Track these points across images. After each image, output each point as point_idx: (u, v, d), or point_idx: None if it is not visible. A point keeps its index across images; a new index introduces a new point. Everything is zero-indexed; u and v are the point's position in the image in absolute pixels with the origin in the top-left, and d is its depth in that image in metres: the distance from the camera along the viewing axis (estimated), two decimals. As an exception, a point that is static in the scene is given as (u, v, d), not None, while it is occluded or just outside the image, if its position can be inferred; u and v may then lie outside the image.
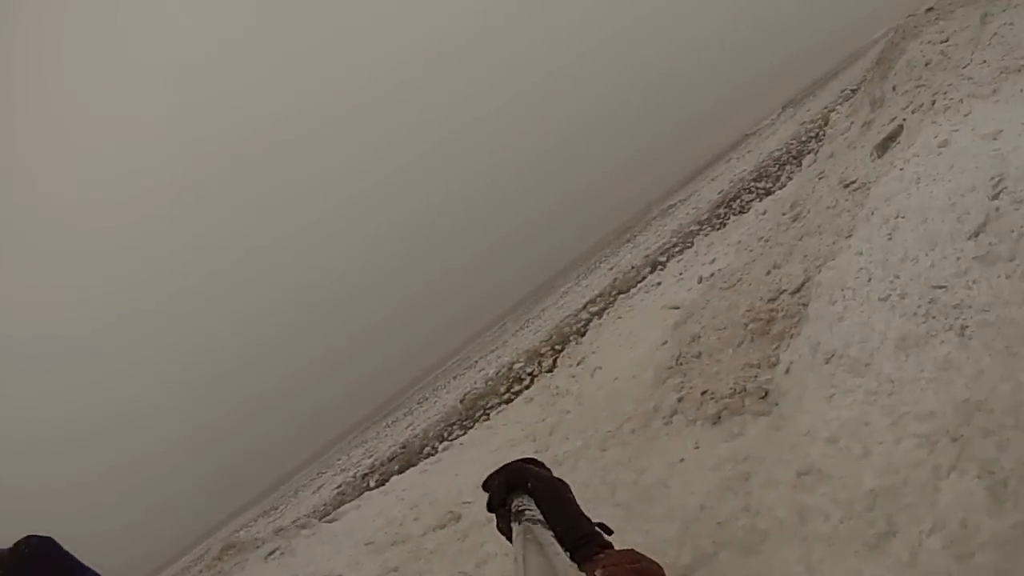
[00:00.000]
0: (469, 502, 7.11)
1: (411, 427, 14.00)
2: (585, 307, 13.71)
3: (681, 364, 6.50)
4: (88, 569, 1.02)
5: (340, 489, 14.02)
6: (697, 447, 5.68)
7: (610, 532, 1.26)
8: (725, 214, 12.78)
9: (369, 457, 14.85)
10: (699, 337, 6.56)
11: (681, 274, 10.69)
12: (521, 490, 1.25)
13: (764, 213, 9.84)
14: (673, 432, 5.99)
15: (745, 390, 5.50)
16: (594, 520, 1.24)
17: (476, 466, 7.97)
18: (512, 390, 11.90)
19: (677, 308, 8.28)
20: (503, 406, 11.04)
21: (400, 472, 10.39)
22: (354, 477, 14.46)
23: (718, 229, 12.17)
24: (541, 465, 1.33)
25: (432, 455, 10.77)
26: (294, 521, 8.76)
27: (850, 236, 5.39)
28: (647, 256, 14.76)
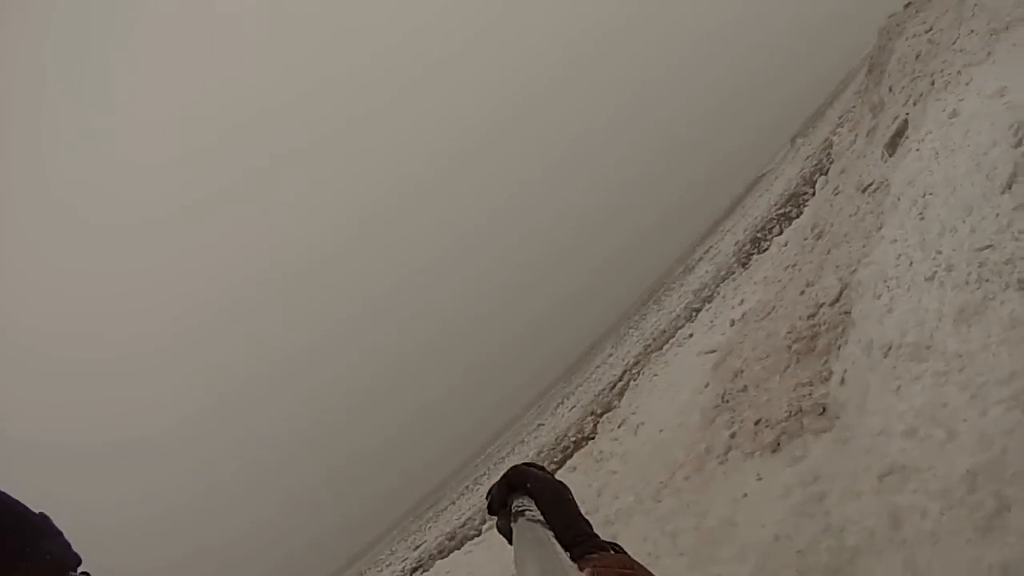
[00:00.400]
0: None
1: (458, 516, 13.16)
2: (621, 376, 13.24)
3: (727, 401, 6.13)
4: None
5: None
6: (759, 478, 5.24)
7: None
8: (747, 257, 12.56)
9: (415, 549, 13.93)
10: (742, 372, 6.24)
11: (712, 322, 10.37)
12: (521, 491, 1.19)
13: (786, 244, 9.67)
14: (731, 469, 5.56)
15: (801, 410, 5.13)
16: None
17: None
18: (553, 461, 11.27)
19: (713, 352, 7.94)
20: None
21: (442, 556, 9.63)
22: (402, 571, 13.51)
23: (741, 272, 11.93)
24: (542, 468, 1.25)
25: (476, 536, 10.05)
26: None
27: (880, 228, 5.18)
28: (676, 314, 14.44)
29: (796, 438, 5.09)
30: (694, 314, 12.54)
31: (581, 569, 0.95)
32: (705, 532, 5.27)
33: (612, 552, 1.05)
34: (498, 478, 1.24)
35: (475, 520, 13.43)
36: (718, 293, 12.09)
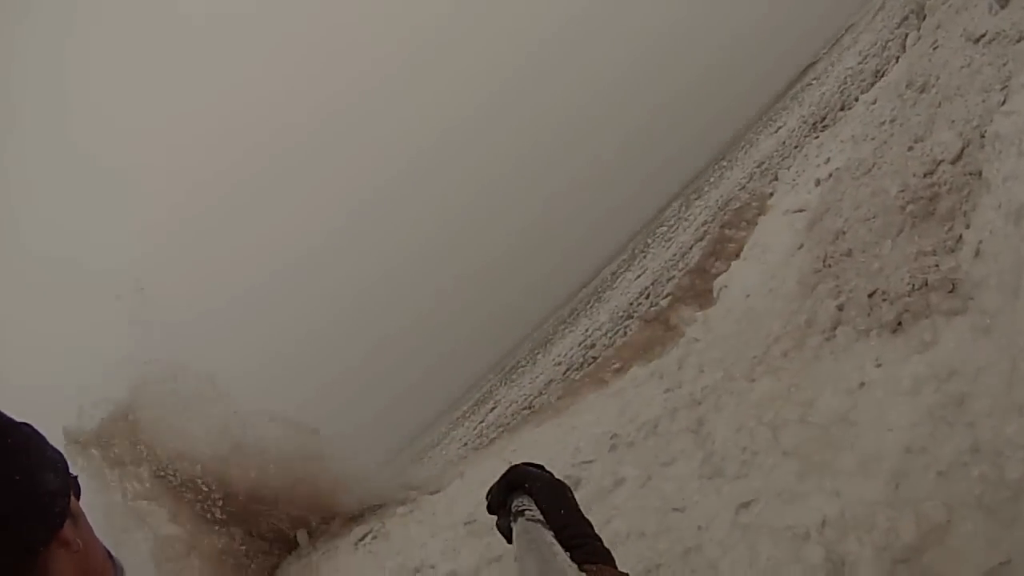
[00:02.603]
0: (590, 461, 6.20)
1: (532, 380, 13.25)
2: (697, 235, 12.28)
3: (830, 266, 5.29)
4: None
5: (461, 446, 13.64)
6: (879, 364, 4.51)
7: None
8: (828, 116, 11.15)
9: (492, 410, 14.35)
10: (844, 232, 5.36)
11: (795, 180, 9.34)
12: (521, 491, 1.25)
13: (875, 102, 8.39)
14: (840, 349, 4.83)
15: (927, 284, 4.25)
16: None
17: (595, 415, 7.04)
18: (625, 327, 10.82)
19: (803, 210, 6.87)
20: (616, 341, 10.02)
21: (511, 429, 9.69)
22: (471, 437, 14.04)
23: (823, 131, 10.65)
24: (542, 468, 1.32)
25: (544, 405, 9.99)
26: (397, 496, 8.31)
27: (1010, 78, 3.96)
28: (754, 169, 13.14)
29: (922, 319, 4.27)
30: (774, 173, 11.35)
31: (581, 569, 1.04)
32: (815, 429, 4.68)
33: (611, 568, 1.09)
34: (498, 478, 1.31)
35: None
36: (798, 151, 10.84)
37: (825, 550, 3.98)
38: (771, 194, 9.51)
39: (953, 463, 3.73)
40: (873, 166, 5.49)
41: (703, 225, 12.43)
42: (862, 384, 4.54)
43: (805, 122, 12.25)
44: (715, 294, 7.43)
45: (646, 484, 5.49)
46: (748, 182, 12.49)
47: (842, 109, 10.47)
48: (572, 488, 4.96)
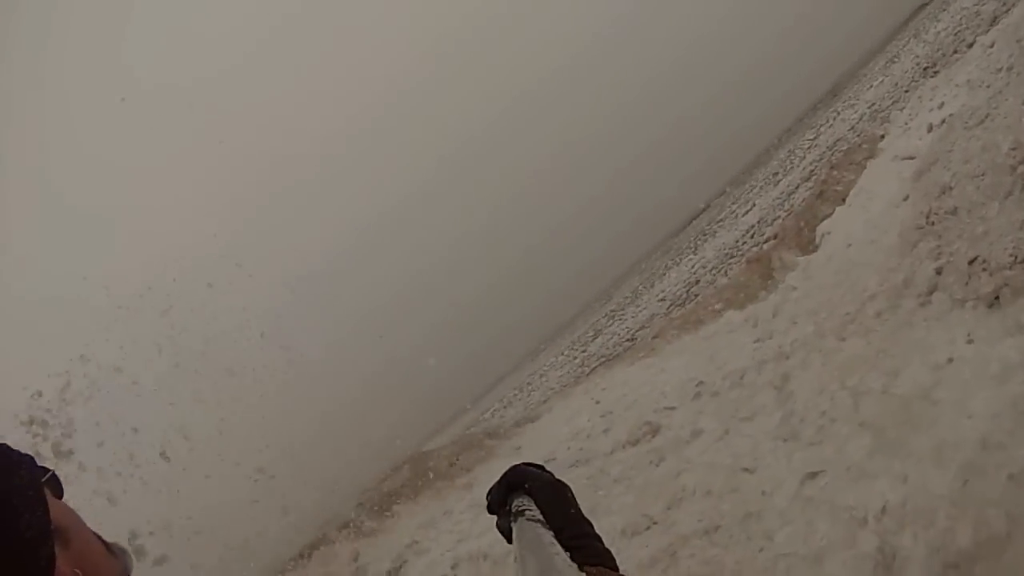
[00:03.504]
0: (672, 408, 6.14)
1: (635, 314, 12.97)
2: (804, 175, 11.17)
3: (933, 224, 4.73)
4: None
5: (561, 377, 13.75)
6: (970, 340, 4.08)
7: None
8: (944, 57, 9.50)
9: (593, 339, 14.28)
10: (951, 188, 4.74)
11: (907, 124, 8.28)
12: (521, 491, 1.25)
13: (992, 45, 7.05)
14: (933, 317, 4.39)
15: None
16: None
17: (686, 359, 6.89)
18: (728, 266, 10.22)
19: (912, 158, 5.99)
20: (716, 285, 9.52)
21: (606, 365, 9.66)
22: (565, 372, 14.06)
23: (938, 73, 9.10)
24: (542, 468, 1.33)
25: (640, 341, 9.80)
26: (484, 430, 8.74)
27: None
28: (867, 109, 11.60)
29: (1022, 297, 3.70)
30: (888, 111, 9.90)
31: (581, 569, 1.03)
32: (895, 402, 4.36)
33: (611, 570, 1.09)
34: (498, 478, 1.32)
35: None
36: (915, 89, 9.30)
37: (879, 540, 3.80)
38: (882, 136, 8.44)
39: (1026, 466, 3.36)
40: (986, 117, 4.75)
41: (812, 164, 11.39)
42: (950, 360, 4.13)
43: (919, 63, 10.68)
44: (818, 240, 6.83)
45: (722, 439, 5.41)
46: (859, 122, 11.24)
47: (955, 52, 8.99)
48: (652, 434, 5.06)
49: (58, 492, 0.94)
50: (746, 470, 5.01)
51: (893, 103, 9.94)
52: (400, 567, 6.65)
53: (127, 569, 0.97)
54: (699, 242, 14.31)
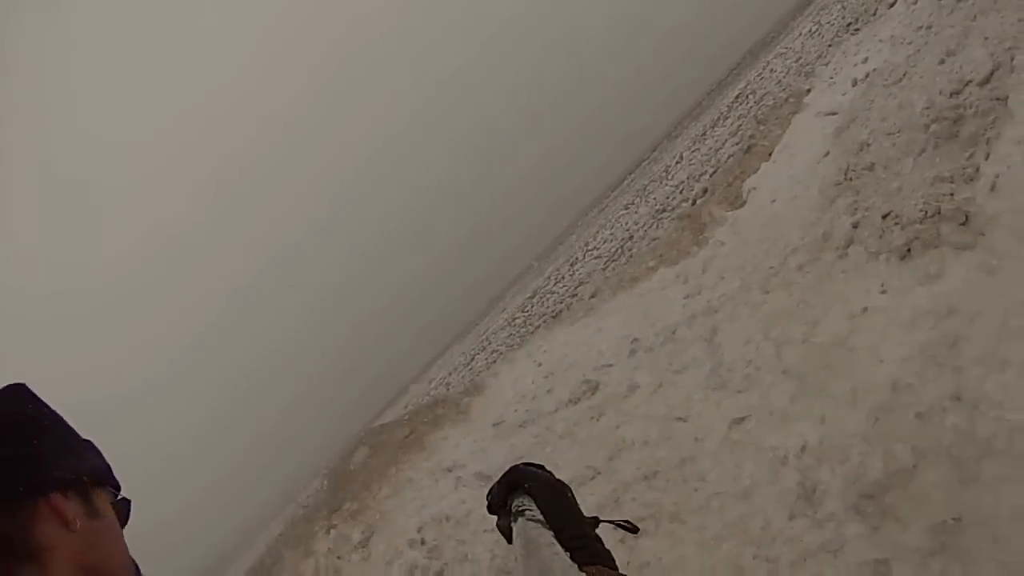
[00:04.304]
0: (609, 365, 6.40)
1: (572, 273, 13.09)
2: (731, 129, 11.32)
3: (851, 179, 4.98)
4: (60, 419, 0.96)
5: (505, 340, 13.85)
6: (884, 291, 4.37)
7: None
8: (868, 12, 9.60)
9: (531, 299, 14.41)
10: (868, 144, 4.99)
11: (832, 79, 8.41)
12: (521, 491, 1.26)
13: (915, 2, 7.25)
14: (851, 269, 4.68)
15: (940, 213, 4.01)
16: (608, 520, 1.34)
17: (621, 317, 7.12)
18: (660, 221, 10.44)
19: (835, 114, 6.25)
20: (650, 241, 9.72)
21: (546, 327, 9.84)
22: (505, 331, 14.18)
23: (862, 29, 9.23)
24: (542, 468, 1.31)
25: (578, 301, 9.99)
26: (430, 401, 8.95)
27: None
28: (795, 62, 11.77)
29: (931, 248, 4.09)
30: (811, 68, 10.09)
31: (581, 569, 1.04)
32: (815, 349, 4.67)
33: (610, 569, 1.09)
34: (498, 478, 1.31)
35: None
36: (839, 44, 9.49)
37: (800, 476, 4.11)
38: (808, 91, 8.71)
39: (933, 407, 3.69)
40: (904, 75, 5.03)
41: (740, 119, 11.62)
42: (865, 309, 4.43)
43: (845, 16, 10.96)
44: (745, 196, 7.10)
45: (657, 391, 5.67)
46: (786, 76, 11.46)
47: (880, 7, 9.28)
48: (592, 391, 5.19)
49: (115, 486, 0.99)
50: (680, 419, 5.28)
51: (818, 57, 10.17)
52: (369, 537, 6.82)
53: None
54: (633, 199, 14.50)
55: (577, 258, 13.81)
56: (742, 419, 4.80)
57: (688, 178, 11.21)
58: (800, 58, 11.45)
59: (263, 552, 9.72)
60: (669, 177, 12.97)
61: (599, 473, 5.40)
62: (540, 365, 7.50)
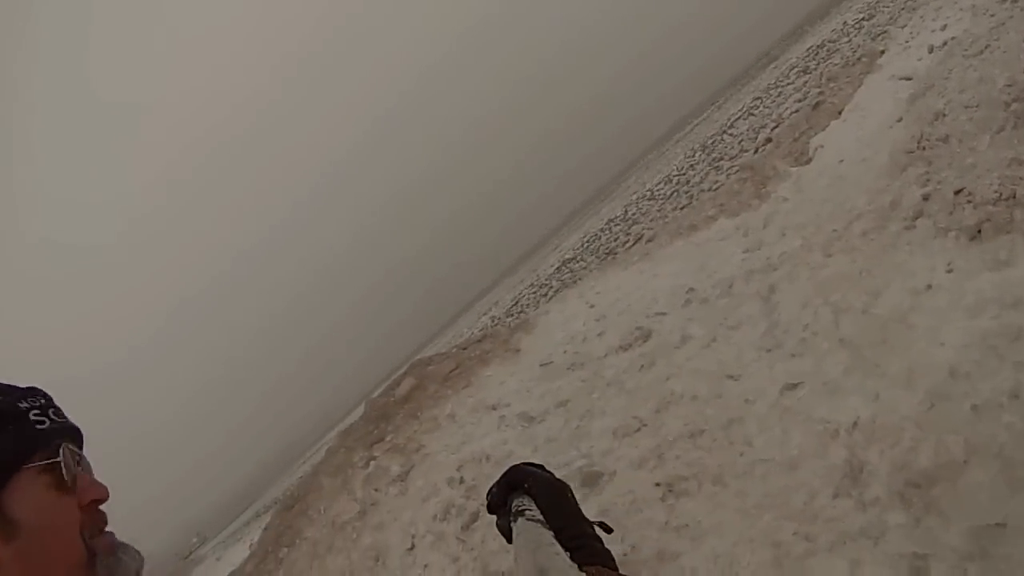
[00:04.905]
0: (663, 314, 6.37)
1: (623, 219, 12.63)
2: (803, 87, 10.40)
3: (924, 149, 4.71)
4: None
5: (554, 277, 13.62)
6: (950, 270, 4.24)
7: (609, 530, 1.30)
8: None
9: (577, 249, 14.06)
10: (944, 115, 4.71)
11: (907, 42, 7.65)
12: (521, 491, 1.26)
13: None
14: (917, 242, 4.52)
15: (1014, 197, 3.80)
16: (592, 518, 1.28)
17: (678, 265, 6.99)
18: (721, 168, 9.92)
19: (909, 79, 5.73)
20: (710, 189, 9.31)
21: (599, 267, 9.67)
22: (559, 267, 13.92)
23: None
24: (542, 468, 1.32)
25: (636, 243, 9.73)
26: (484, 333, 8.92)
27: None
28: (869, 21, 10.50)
29: (1003, 234, 3.93)
30: (887, 29, 9.02)
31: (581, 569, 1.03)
32: (874, 321, 4.60)
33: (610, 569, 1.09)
34: (498, 478, 1.30)
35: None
36: (915, 12, 8.37)
37: (848, 453, 4.13)
38: (882, 52, 8.01)
39: (989, 401, 3.65)
40: (986, 47, 4.65)
41: (810, 75, 10.79)
42: (929, 287, 4.32)
43: None
44: (811, 152, 6.73)
45: (709, 345, 5.68)
46: (860, 35, 10.48)
47: None
48: (644, 339, 5.27)
49: (60, 478, 0.87)
50: (730, 377, 5.31)
51: (893, 19, 9.37)
52: (408, 471, 6.98)
53: None
54: (694, 145, 13.96)
55: (634, 201, 13.52)
56: (794, 385, 4.80)
57: (751, 128, 10.77)
58: (874, 17, 10.58)
59: (301, 479, 10.27)
60: (732, 126, 12.44)
61: (644, 425, 5.47)
62: (592, 307, 7.53)
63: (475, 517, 5.72)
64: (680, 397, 5.49)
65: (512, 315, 13.13)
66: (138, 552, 0.94)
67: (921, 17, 8.04)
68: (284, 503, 9.79)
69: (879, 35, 9.34)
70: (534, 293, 13.59)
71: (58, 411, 0.95)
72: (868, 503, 3.80)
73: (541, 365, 7.18)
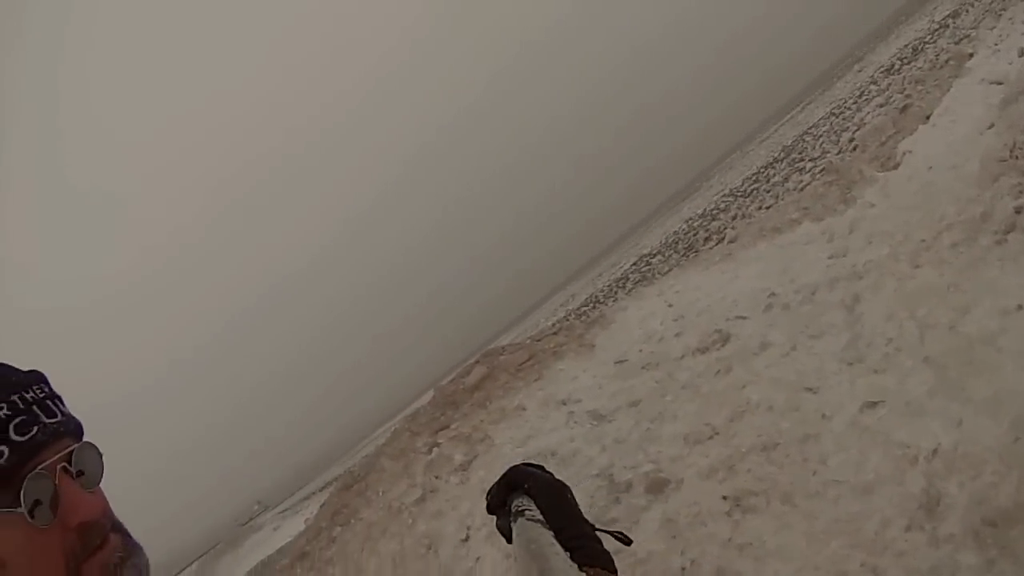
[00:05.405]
0: (743, 318, 6.17)
1: (701, 206, 12.14)
2: (889, 90, 9.61)
3: (1017, 158, 4.41)
4: None
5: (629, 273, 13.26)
6: (1044, 292, 3.89)
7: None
8: None
9: (657, 247, 13.61)
10: None
11: (996, 45, 6.87)
12: (521, 491, 1.24)
13: None
14: (1008, 258, 4.26)
15: None
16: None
17: (760, 267, 6.73)
18: (807, 172, 9.37)
19: (1000, 83, 5.23)
20: (794, 190, 8.82)
21: (679, 266, 9.37)
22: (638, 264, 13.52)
23: None
24: (542, 468, 1.30)
25: (718, 243, 9.36)
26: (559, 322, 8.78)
27: None
28: (957, 23, 9.49)
29: None
30: (975, 32, 8.13)
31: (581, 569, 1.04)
32: (961, 341, 4.37)
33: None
34: (497, 478, 1.29)
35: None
36: (1002, 13, 7.46)
37: (926, 482, 3.97)
38: (971, 55, 7.26)
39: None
40: None
41: (898, 77, 9.94)
42: (1020, 307, 4.05)
43: None
44: (898, 157, 6.27)
45: (789, 354, 5.51)
46: (947, 37, 9.54)
47: None
48: (722, 342, 5.17)
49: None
50: (809, 389, 5.13)
51: (979, 21, 8.55)
52: (471, 461, 6.97)
53: None
54: (776, 147, 13.33)
55: (716, 199, 13.09)
56: (874, 404, 4.62)
57: (834, 130, 10.15)
58: (960, 17, 9.70)
59: (365, 458, 10.42)
60: (816, 127, 11.79)
61: (717, 433, 5.34)
62: (671, 306, 7.40)
63: (534, 514, 5.69)
64: (756, 406, 5.35)
65: (588, 309, 13.06)
66: (137, 560, 0.89)
67: (1010, 19, 7.32)
68: (344, 481, 9.89)
69: (965, 37, 8.60)
70: (612, 288, 13.47)
71: (52, 404, 0.88)
72: (942, 539, 3.65)
73: (616, 363, 7.10)
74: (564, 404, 6.95)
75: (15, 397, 0.83)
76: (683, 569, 4.33)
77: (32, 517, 0.78)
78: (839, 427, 4.68)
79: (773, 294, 6.17)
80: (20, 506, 0.77)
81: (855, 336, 5.10)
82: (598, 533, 1.24)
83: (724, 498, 4.74)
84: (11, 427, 0.81)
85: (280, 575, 8.16)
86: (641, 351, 7.04)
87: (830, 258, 5.99)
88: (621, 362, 6.99)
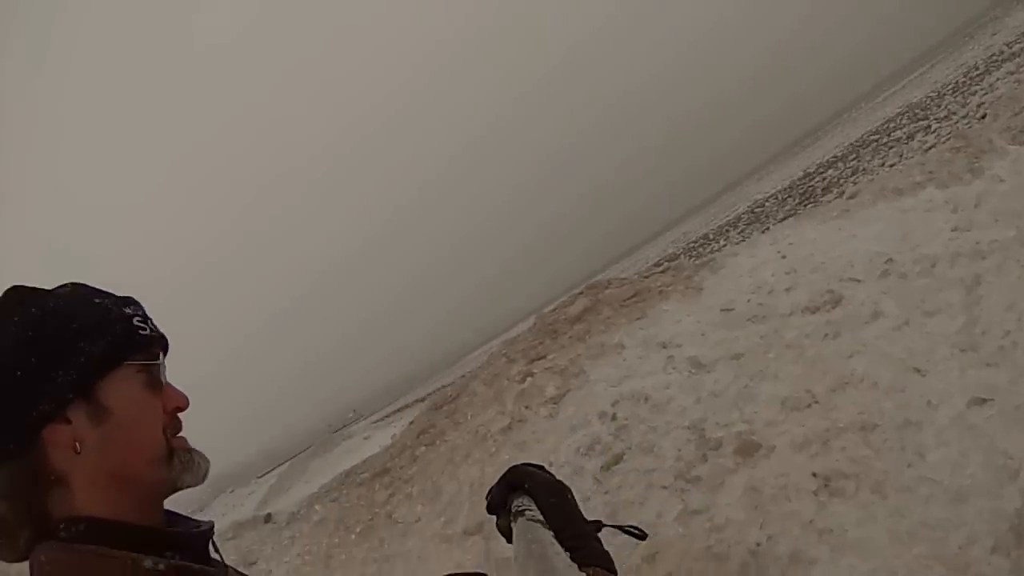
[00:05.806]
0: (857, 281, 5.82)
1: (820, 156, 10.69)
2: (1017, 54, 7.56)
3: None
4: None
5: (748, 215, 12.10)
6: None
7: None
8: None
9: (773, 193, 12.19)
10: None
11: None
12: (521, 491, 1.29)
13: None
14: None
15: None
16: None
17: (878, 229, 6.20)
18: (927, 127, 8.00)
19: None
20: (919, 150, 7.64)
21: (794, 215, 8.57)
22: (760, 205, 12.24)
23: None
24: (543, 469, 1.36)
25: (836, 197, 8.40)
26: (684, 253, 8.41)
27: None
28: None
29: None
30: None
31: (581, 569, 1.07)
32: (1090, 344, 4.04)
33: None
34: (498, 478, 1.33)
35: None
36: None
37: (1022, 502, 3.86)
38: None
39: None
40: None
41: None
42: None
43: None
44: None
45: (901, 328, 5.28)
46: None
47: None
48: (834, 304, 5.13)
49: (147, 376, 0.97)
50: (917, 371, 4.92)
51: None
52: (563, 395, 6.87)
53: (175, 481, 0.99)
54: (906, 105, 11.60)
55: (837, 152, 11.79)
56: (983, 401, 4.43)
57: (963, 93, 8.66)
58: None
59: (455, 381, 10.42)
60: (944, 88, 10.09)
61: (816, 402, 5.18)
62: (784, 258, 7.07)
63: (618, 459, 5.58)
64: (860, 380, 5.12)
65: (699, 247, 12.58)
66: (205, 457, 1.04)
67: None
68: (434, 401, 9.87)
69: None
70: (724, 229, 12.82)
71: (153, 323, 1.04)
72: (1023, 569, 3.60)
73: (722, 310, 6.94)
74: (664, 347, 6.83)
75: (140, 308, 1.02)
76: (758, 545, 4.30)
77: (154, 382, 0.98)
78: (943, 419, 4.49)
79: (891, 260, 5.83)
80: (156, 360, 1.00)
81: (971, 320, 4.83)
82: (614, 529, 1.33)
83: (814, 475, 4.59)
84: (148, 320, 1.03)
85: (359, 488, 8.23)
86: (749, 301, 6.84)
87: (953, 230, 5.56)
88: (727, 310, 6.85)
